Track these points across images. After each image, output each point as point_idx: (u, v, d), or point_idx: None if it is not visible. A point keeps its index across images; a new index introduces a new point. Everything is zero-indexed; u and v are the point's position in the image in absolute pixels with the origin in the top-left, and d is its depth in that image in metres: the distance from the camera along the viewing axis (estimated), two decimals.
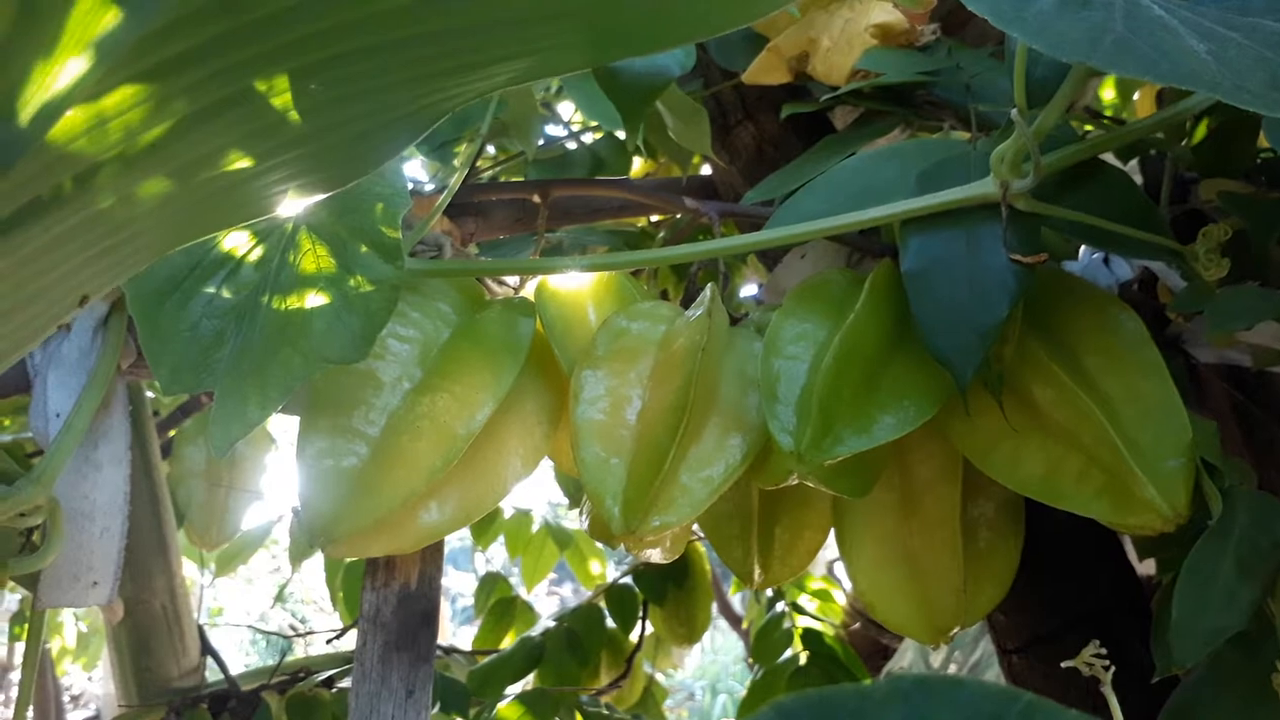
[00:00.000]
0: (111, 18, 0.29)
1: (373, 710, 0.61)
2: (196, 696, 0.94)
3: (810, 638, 1.18)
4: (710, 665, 5.35)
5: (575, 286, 0.67)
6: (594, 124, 1.26)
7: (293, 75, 0.36)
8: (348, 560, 1.32)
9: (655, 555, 0.58)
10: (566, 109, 1.26)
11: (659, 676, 1.55)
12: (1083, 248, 0.74)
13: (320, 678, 0.98)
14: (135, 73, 0.33)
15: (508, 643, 1.47)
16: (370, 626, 0.63)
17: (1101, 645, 0.67)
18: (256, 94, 0.36)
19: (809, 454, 0.50)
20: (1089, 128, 0.77)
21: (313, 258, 0.53)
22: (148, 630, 1.01)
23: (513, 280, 0.72)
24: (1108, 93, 1.29)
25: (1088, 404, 0.52)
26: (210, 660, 1.09)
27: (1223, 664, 0.58)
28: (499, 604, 1.60)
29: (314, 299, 0.51)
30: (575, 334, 0.63)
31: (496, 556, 1.97)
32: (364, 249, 0.52)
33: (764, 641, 1.23)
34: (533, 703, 0.94)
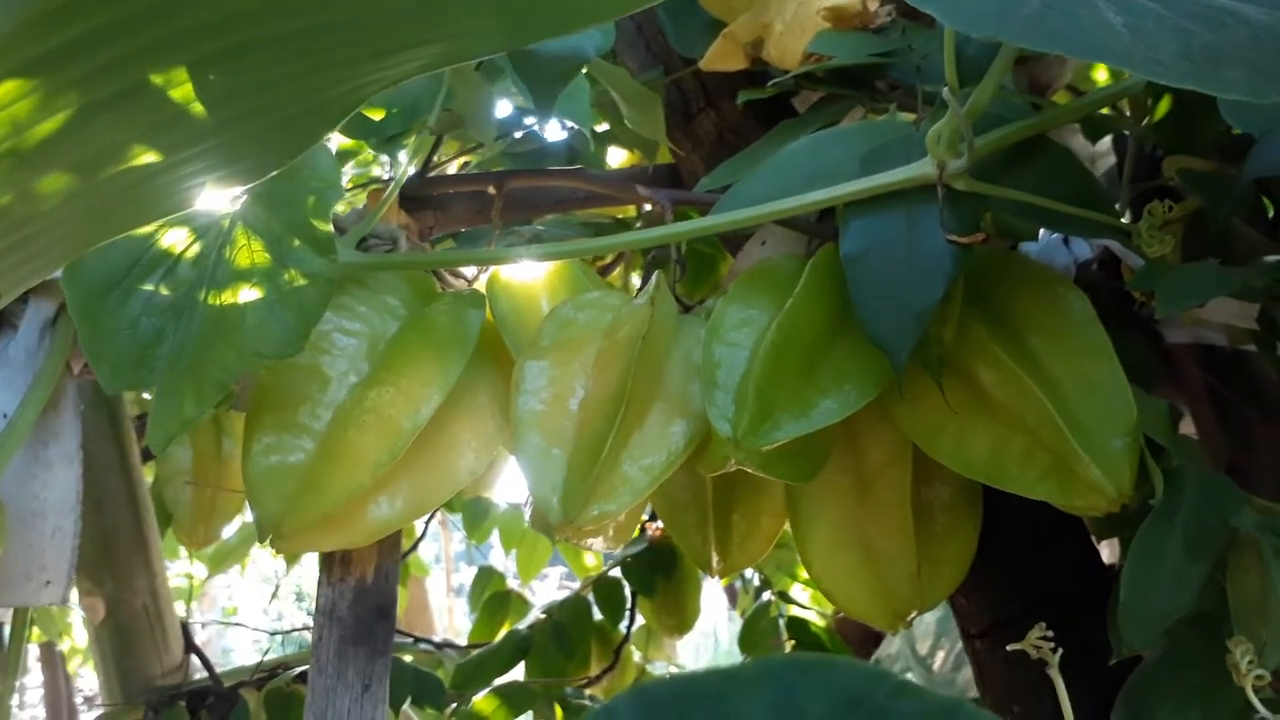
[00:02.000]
0: None
1: (329, 705, 0.61)
2: (175, 694, 0.94)
3: (796, 626, 1.18)
4: (725, 657, 5.36)
5: (528, 278, 0.66)
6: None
7: (190, 67, 0.36)
8: None
9: (597, 545, 0.57)
10: None
11: (663, 667, 1.55)
12: (1042, 229, 0.73)
13: (295, 673, 0.98)
14: (16, 65, 0.33)
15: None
16: (326, 621, 0.63)
17: (1065, 628, 0.66)
18: (153, 86, 0.36)
19: (746, 440, 0.50)
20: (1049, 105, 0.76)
21: (247, 253, 0.53)
22: (129, 629, 1.01)
23: (471, 273, 0.72)
24: (1101, 74, 1.28)
25: (1029, 385, 0.51)
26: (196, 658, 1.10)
27: (1181, 645, 0.58)
28: (494, 598, 1.61)
29: (248, 294, 0.51)
30: (527, 325, 0.62)
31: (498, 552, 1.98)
32: (297, 243, 0.52)
33: (751, 631, 1.23)
34: (510, 695, 0.94)
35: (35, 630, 2.40)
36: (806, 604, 1.32)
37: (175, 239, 0.55)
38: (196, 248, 0.54)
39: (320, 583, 0.64)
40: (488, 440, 0.62)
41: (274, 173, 0.40)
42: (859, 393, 0.52)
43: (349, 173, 1.14)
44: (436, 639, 1.50)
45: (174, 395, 0.51)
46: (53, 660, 3.06)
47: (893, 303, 0.50)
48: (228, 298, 0.52)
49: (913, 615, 0.62)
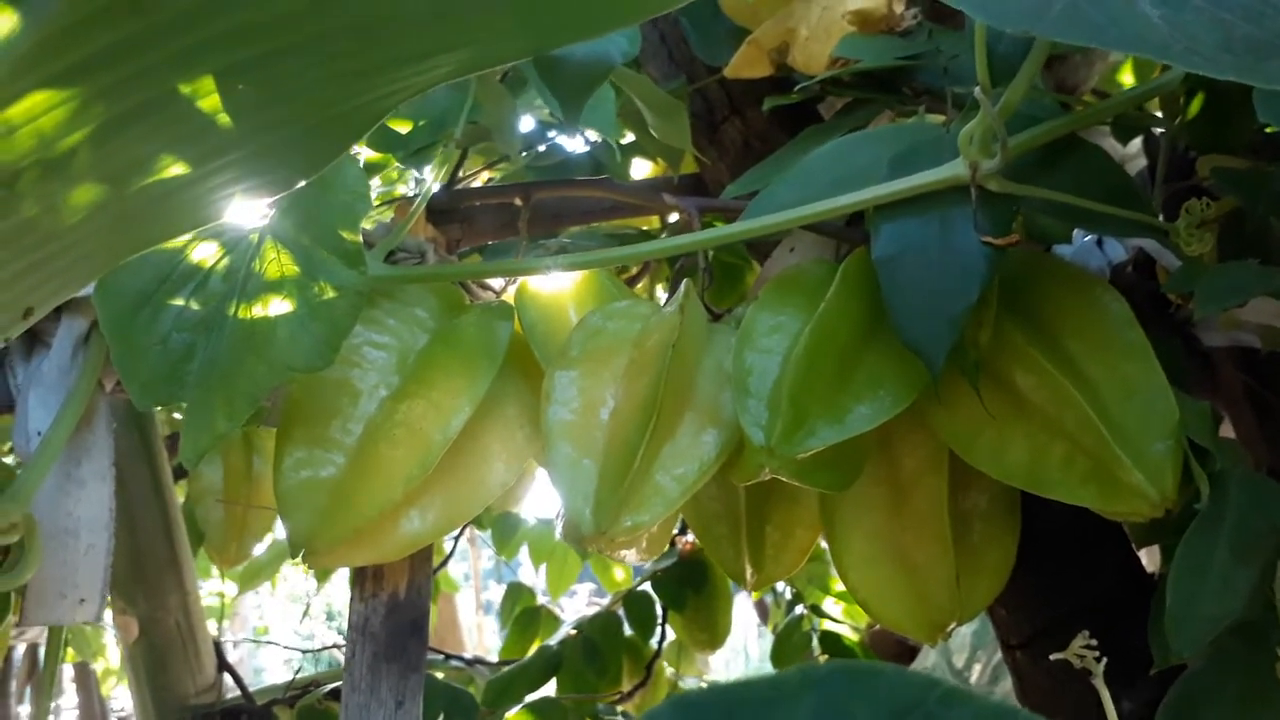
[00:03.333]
0: (4, 20, 0.29)
1: None
2: (208, 714, 0.94)
3: (828, 640, 1.16)
4: (755, 671, 5.31)
5: (556, 288, 0.66)
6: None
7: (217, 76, 0.35)
8: None
9: (630, 556, 0.57)
10: None
11: (692, 682, 1.54)
12: (1076, 231, 0.72)
13: (327, 689, 0.98)
14: (44, 77, 0.33)
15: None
16: (359, 637, 0.63)
17: (1108, 637, 0.65)
18: (181, 96, 0.36)
19: (780, 447, 0.49)
20: (1079, 106, 0.75)
21: (277, 266, 0.52)
22: (162, 648, 1.01)
23: (499, 285, 0.72)
24: (1128, 78, 1.26)
25: (1069, 388, 0.50)
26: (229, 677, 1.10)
27: (1225, 653, 0.56)
28: (524, 613, 1.60)
29: (278, 307, 0.51)
30: (555, 336, 0.62)
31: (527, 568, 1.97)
32: (326, 255, 0.52)
33: (784, 645, 1.22)
34: (542, 712, 0.93)
35: (70, 651, 2.42)
36: (839, 617, 1.30)
37: (205, 253, 0.55)
38: (226, 261, 0.55)
39: (352, 599, 0.64)
40: (518, 452, 0.62)
41: (302, 184, 0.40)
42: (894, 398, 0.51)
43: (375, 189, 1.14)
44: (467, 656, 1.50)
45: (205, 410, 0.51)
46: (87, 681, 3.08)
47: (927, 306, 0.49)
48: (258, 311, 0.52)
49: (951, 627, 0.61)
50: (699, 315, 0.58)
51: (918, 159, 0.53)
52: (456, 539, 1.62)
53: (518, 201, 0.71)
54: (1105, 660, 0.51)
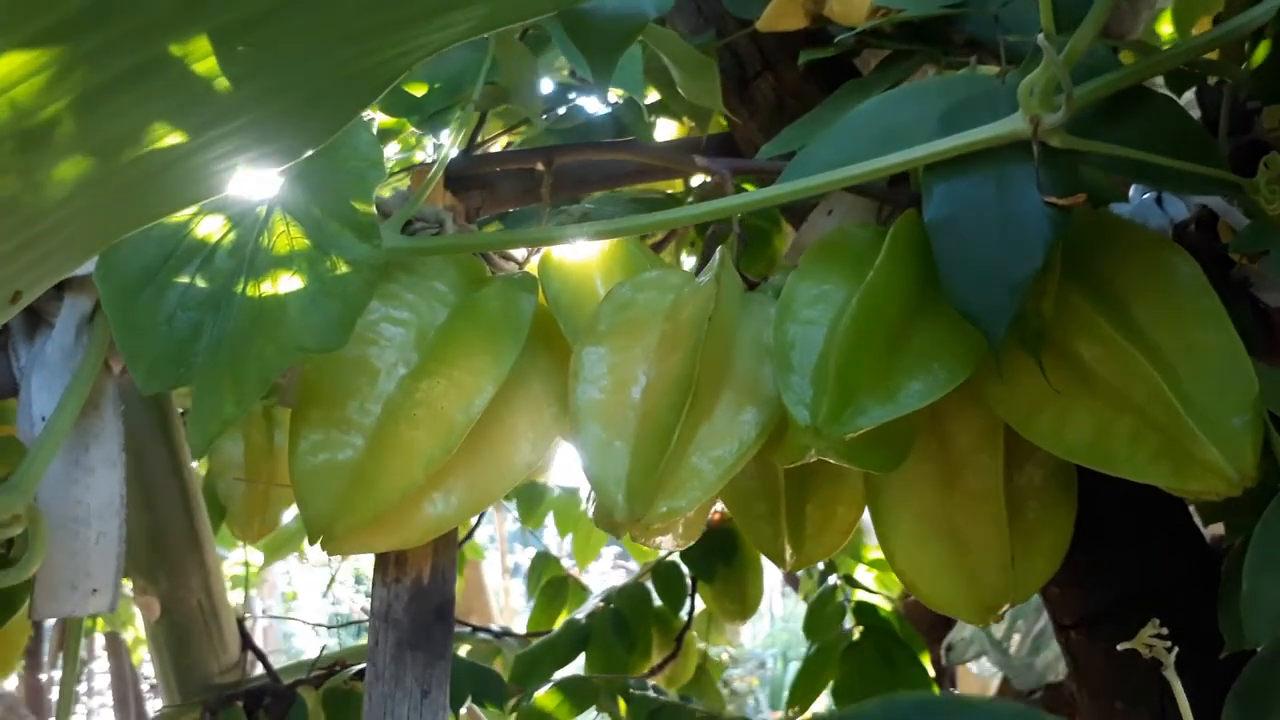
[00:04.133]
0: None
1: (386, 712, 0.58)
2: (232, 694, 0.92)
3: (864, 612, 1.13)
4: (781, 633, 5.31)
5: (582, 258, 0.63)
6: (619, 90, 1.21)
7: (212, 37, 0.32)
8: None
9: (666, 543, 0.54)
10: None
11: (724, 652, 1.52)
12: (1133, 188, 0.68)
13: (353, 670, 0.96)
14: (20, 38, 0.29)
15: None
16: (382, 624, 0.60)
17: (1167, 618, 0.61)
18: (173, 59, 0.32)
19: (827, 427, 0.45)
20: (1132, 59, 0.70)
21: (286, 240, 0.49)
22: (185, 627, 1.00)
23: (521, 255, 0.68)
24: (1166, 28, 1.21)
25: (1138, 358, 0.47)
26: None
27: None
28: (550, 584, 1.58)
29: (288, 284, 0.48)
30: (582, 308, 0.59)
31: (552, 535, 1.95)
32: (338, 228, 0.48)
33: (816, 616, 1.19)
34: (572, 690, 0.91)
35: (100, 620, 2.42)
36: (873, 587, 1.27)
37: (211, 227, 0.52)
38: (233, 236, 0.51)
39: (374, 584, 0.61)
40: (545, 431, 0.59)
41: (310, 152, 0.37)
42: (949, 373, 0.48)
43: (391, 156, 1.11)
44: (495, 627, 1.49)
45: (213, 394, 0.48)
46: (118, 649, 3.10)
47: (986, 273, 0.46)
48: (267, 289, 0.48)
49: (1004, 609, 0.58)
50: (735, 285, 0.55)
51: (972, 113, 0.50)
52: None
53: (540, 166, 0.67)
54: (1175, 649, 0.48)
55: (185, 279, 0.51)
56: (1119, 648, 0.48)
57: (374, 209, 0.48)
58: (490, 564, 3.98)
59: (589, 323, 0.54)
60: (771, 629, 5.27)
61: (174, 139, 0.34)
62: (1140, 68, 0.48)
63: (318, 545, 0.55)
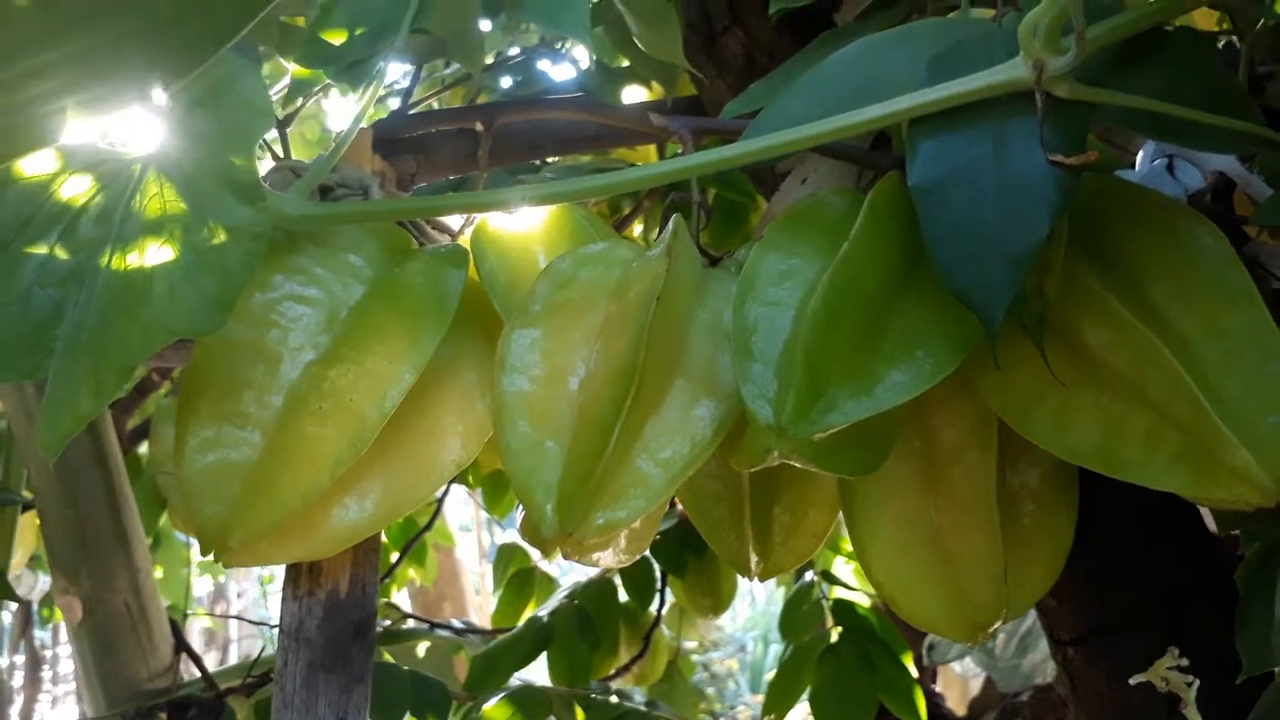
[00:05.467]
0: None
1: None
2: (153, 705, 0.85)
3: (842, 611, 1.07)
4: (761, 616, 5.28)
5: (522, 229, 0.55)
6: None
7: None
8: None
9: (606, 560, 0.47)
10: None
11: (704, 637, 1.45)
12: (1140, 154, 0.61)
13: None
14: None
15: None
16: (291, 643, 0.53)
17: (1175, 635, 0.55)
18: None
19: (793, 426, 0.39)
20: None
21: (159, 204, 0.42)
22: (110, 630, 0.92)
23: (457, 226, 0.61)
24: None
25: (1155, 344, 0.40)
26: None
27: None
28: (517, 575, 1.51)
29: (157, 255, 0.41)
30: (521, 286, 0.52)
31: None
32: (216, 189, 0.41)
33: (792, 616, 1.13)
34: (524, 701, 0.84)
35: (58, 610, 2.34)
36: (850, 583, 1.21)
37: (76, 189, 0.44)
38: (101, 199, 0.44)
39: (284, 598, 0.54)
40: (476, 426, 0.52)
41: (168, 93, 0.30)
42: (935, 362, 0.41)
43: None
44: (456, 622, 1.42)
45: (68, 385, 0.40)
46: None
47: (981, 245, 0.39)
48: (133, 261, 0.41)
49: (995, 626, 0.51)
50: (691, 259, 0.47)
51: (964, 60, 0.43)
52: (446, 491, 1.53)
53: (479, 126, 0.60)
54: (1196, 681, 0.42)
55: (44, 249, 0.43)
56: (1131, 681, 0.41)
57: (255, 164, 0.40)
58: (468, 549, 3.91)
59: (521, 302, 0.47)
60: (752, 612, 5.23)
61: None
62: (1163, 4, 0.41)
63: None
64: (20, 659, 2.82)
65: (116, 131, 0.46)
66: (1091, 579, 0.56)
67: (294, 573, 0.54)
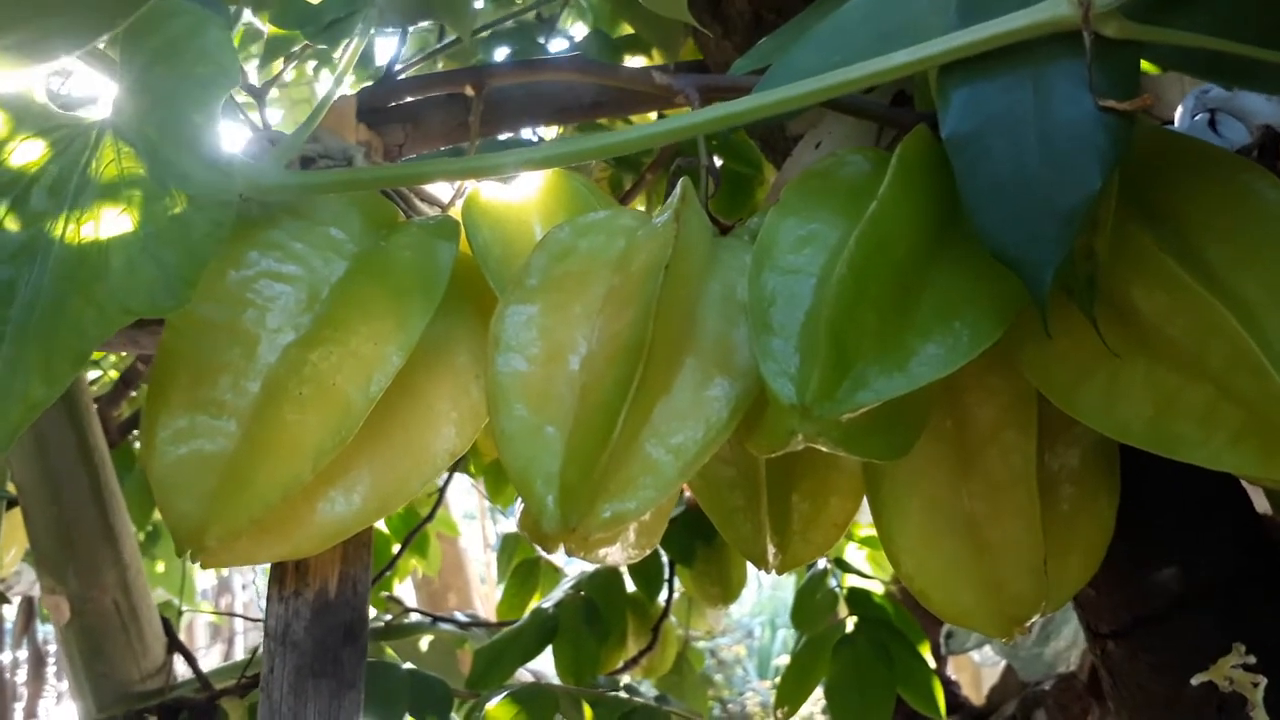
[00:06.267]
0: None
1: None
2: (143, 709, 0.82)
3: (857, 599, 1.03)
4: (769, 601, 5.25)
5: (517, 198, 0.52)
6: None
7: None
8: None
9: (614, 556, 0.43)
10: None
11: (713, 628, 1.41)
12: (1179, 109, 0.57)
13: None
14: None
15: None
16: (278, 647, 0.49)
17: (1226, 626, 0.51)
18: None
19: (818, 405, 0.35)
20: None
21: (116, 170, 0.38)
22: (99, 631, 0.89)
23: (447, 197, 0.57)
24: None
25: (1218, 310, 0.36)
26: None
27: None
28: (522, 566, 1.48)
29: (114, 226, 0.37)
30: (516, 260, 0.48)
31: None
32: (178, 153, 0.37)
33: (805, 605, 1.09)
34: (529, 700, 0.81)
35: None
36: (863, 570, 1.17)
37: (29, 155, 0.40)
38: (56, 167, 0.40)
39: (269, 598, 0.50)
40: (471, 411, 0.48)
41: (103, 40, 0.26)
42: (974, 333, 0.37)
43: None
44: (461, 615, 1.38)
45: (19, 371, 0.37)
46: None
47: (1026, 201, 0.35)
48: (88, 233, 0.37)
49: (1033, 620, 0.48)
50: (701, 226, 0.43)
51: None
52: (447, 480, 1.49)
53: (469, 91, 0.56)
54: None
55: None
56: (1194, 681, 0.38)
57: (218, 126, 0.36)
58: (473, 537, 3.88)
59: (517, 276, 0.43)
60: (759, 597, 5.20)
61: None
62: None
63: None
64: (24, 654, 2.80)
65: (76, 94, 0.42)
66: (1133, 567, 0.53)
67: (279, 572, 0.50)
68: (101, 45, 0.39)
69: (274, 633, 0.50)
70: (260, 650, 0.95)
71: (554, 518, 0.36)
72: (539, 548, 0.41)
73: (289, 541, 0.46)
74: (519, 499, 1.43)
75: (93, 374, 1.46)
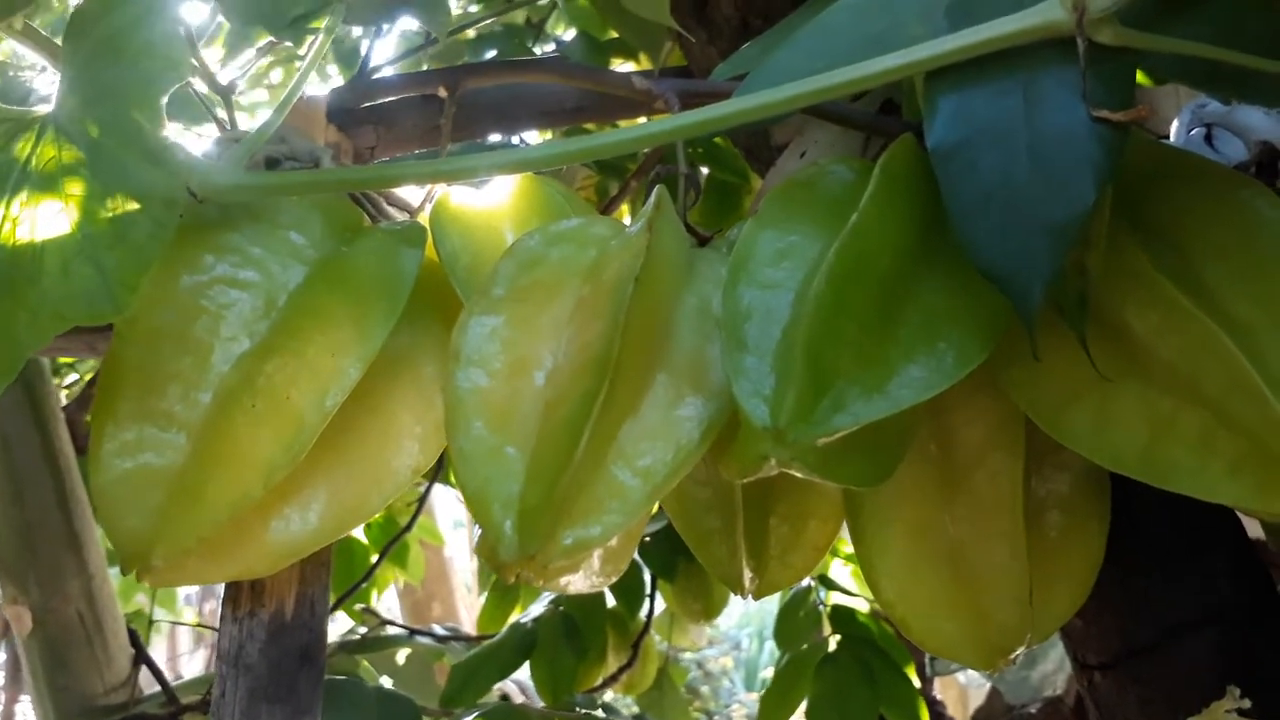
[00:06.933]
0: None
1: None
2: None
3: (841, 617, 1.01)
4: (756, 613, 5.23)
5: (489, 204, 0.50)
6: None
7: None
8: None
9: (577, 584, 0.41)
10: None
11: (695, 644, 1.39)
12: (1175, 124, 0.55)
13: None
14: None
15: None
16: (230, 670, 0.47)
17: (1219, 657, 0.49)
18: None
19: (794, 428, 0.33)
20: None
21: (55, 166, 0.36)
22: (62, 642, 0.87)
23: (417, 202, 0.55)
24: None
25: (1214, 331, 0.34)
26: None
27: None
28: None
29: (51, 226, 0.35)
30: (486, 268, 0.46)
31: None
32: (121, 149, 0.35)
33: (788, 622, 1.07)
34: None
35: None
36: (848, 587, 1.15)
37: None
38: None
39: (222, 619, 0.48)
40: (436, 426, 0.46)
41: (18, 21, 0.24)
42: (959, 354, 0.35)
43: None
44: (440, 629, 1.36)
45: None
46: None
47: (1015, 215, 0.33)
48: (24, 234, 0.35)
49: (1018, 652, 0.46)
50: (676, 236, 0.42)
51: (990, 3, 0.37)
52: (430, 486, 1.47)
53: (442, 92, 0.54)
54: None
55: None
56: None
57: (165, 123, 0.34)
58: (460, 546, 3.84)
59: (482, 285, 0.41)
60: (747, 608, 5.18)
61: None
62: None
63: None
64: (1, 658, 2.77)
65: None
66: (1123, 596, 0.51)
67: (233, 591, 0.48)
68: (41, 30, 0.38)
69: (226, 655, 0.48)
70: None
71: (511, 544, 0.34)
72: (495, 572, 0.39)
73: (241, 561, 0.44)
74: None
75: (70, 378, 1.43)
